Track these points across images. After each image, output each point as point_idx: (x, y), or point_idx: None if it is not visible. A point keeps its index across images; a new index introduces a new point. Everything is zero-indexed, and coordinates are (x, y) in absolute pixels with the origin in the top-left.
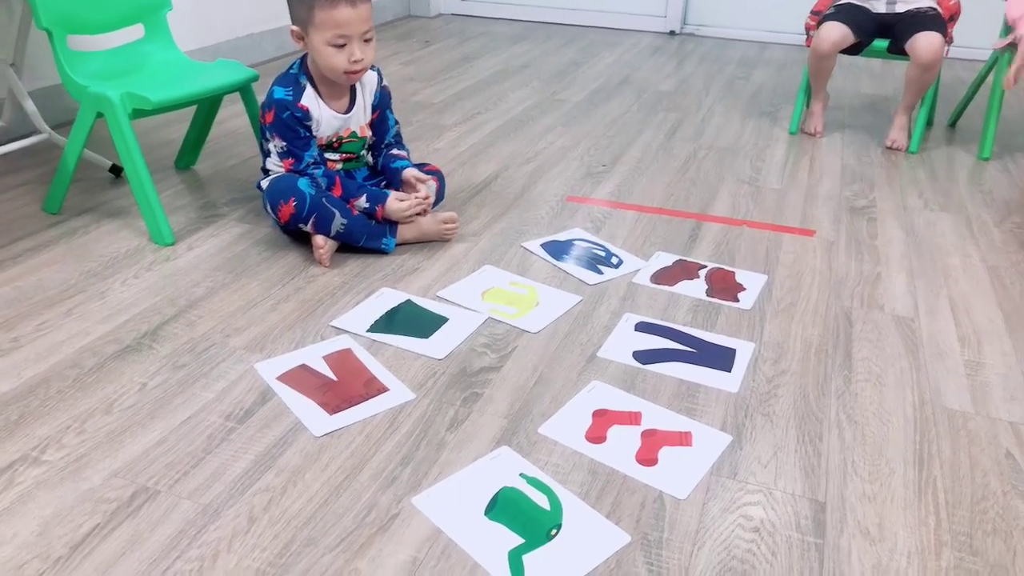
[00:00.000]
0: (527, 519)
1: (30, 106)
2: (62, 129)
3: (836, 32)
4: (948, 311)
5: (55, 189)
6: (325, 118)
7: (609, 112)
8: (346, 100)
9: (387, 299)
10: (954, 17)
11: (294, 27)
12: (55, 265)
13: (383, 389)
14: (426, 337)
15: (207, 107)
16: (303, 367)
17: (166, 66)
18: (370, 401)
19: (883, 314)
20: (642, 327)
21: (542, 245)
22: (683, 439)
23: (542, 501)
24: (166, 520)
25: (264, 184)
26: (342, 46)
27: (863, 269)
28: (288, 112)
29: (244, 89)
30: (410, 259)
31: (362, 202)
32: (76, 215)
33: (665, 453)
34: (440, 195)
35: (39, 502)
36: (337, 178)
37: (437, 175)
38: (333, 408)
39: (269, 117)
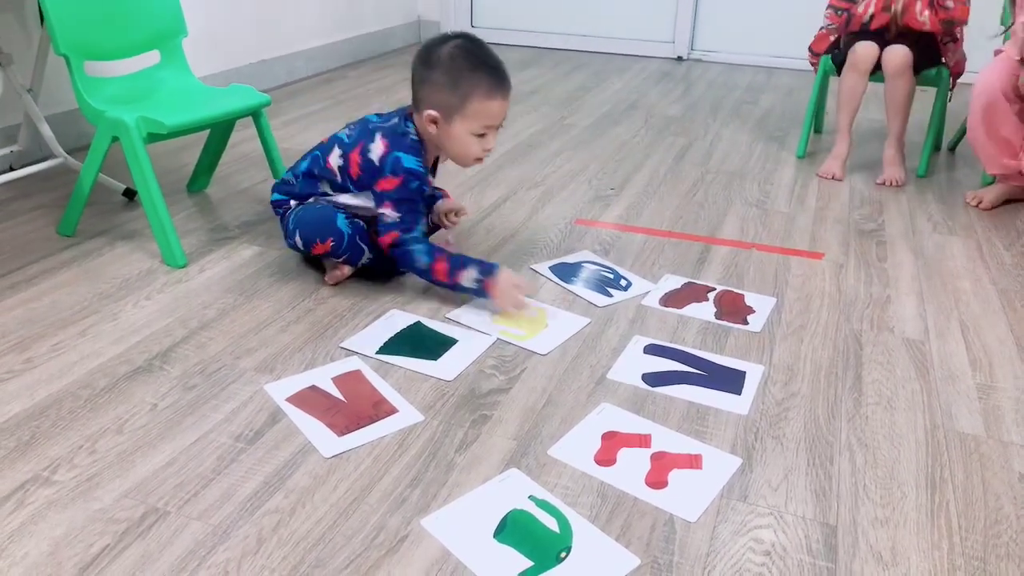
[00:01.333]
0: (536, 542)
1: (46, 130)
2: (77, 154)
3: (869, 47)
4: (959, 334)
5: (70, 212)
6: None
7: (617, 136)
8: (430, 164)
9: (397, 321)
10: (954, 23)
11: (432, 112)
12: (69, 287)
13: (392, 411)
14: (435, 359)
15: (220, 131)
16: (312, 388)
17: (180, 91)
18: (379, 423)
19: (893, 337)
20: (651, 349)
21: (551, 267)
22: (693, 462)
23: (551, 524)
24: (176, 541)
25: (291, 211)
26: (481, 135)
27: (872, 292)
28: (418, 184)
29: (256, 114)
30: (419, 282)
31: (472, 275)
32: (90, 238)
33: (675, 476)
34: None
35: (50, 522)
36: (443, 256)
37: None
38: (342, 429)
39: (392, 184)
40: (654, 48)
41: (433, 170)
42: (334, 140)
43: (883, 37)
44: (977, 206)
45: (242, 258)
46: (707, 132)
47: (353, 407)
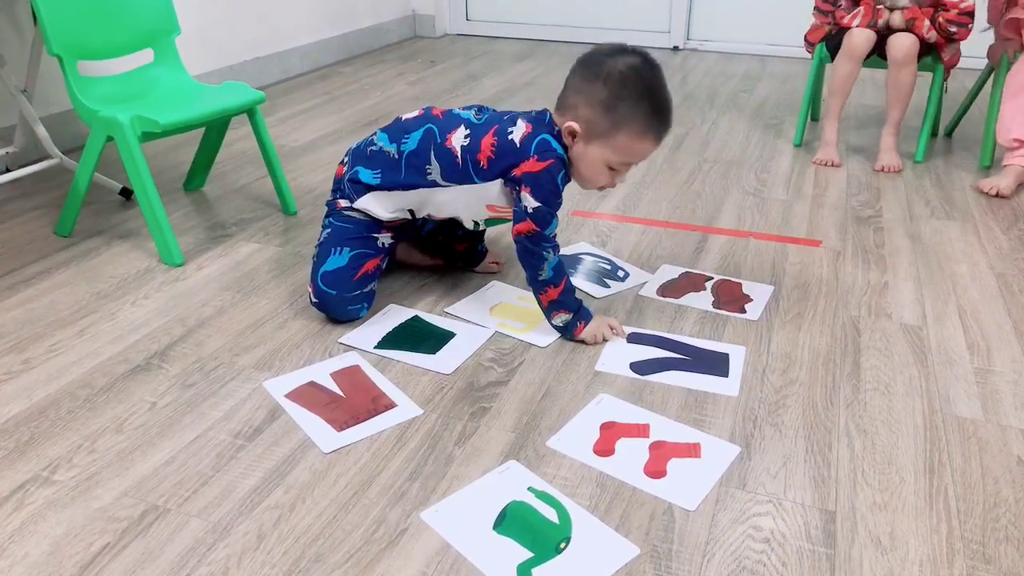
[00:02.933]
0: (536, 533)
1: (42, 131)
2: (73, 154)
3: (865, 34)
4: (957, 318)
5: (66, 212)
6: None
7: None
8: None
9: (394, 315)
10: (955, 42)
11: (575, 125)
12: (67, 287)
13: (391, 405)
14: (433, 352)
15: (215, 129)
16: (311, 384)
17: (175, 89)
18: (378, 417)
19: (891, 323)
20: (634, 338)
21: None
22: (691, 451)
23: (551, 515)
24: (176, 538)
25: (331, 252)
26: (615, 170)
27: (870, 278)
28: (563, 173)
29: (251, 111)
30: (417, 276)
31: (565, 317)
32: (87, 237)
33: (674, 465)
34: None
35: (50, 522)
36: (561, 285)
37: None
38: (341, 425)
39: (537, 167)
40: (650, 38)
41: None
42: (457, 119)
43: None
44: (996, 195)
45: (239, 255)
46: (704, 121)
47: (352, 402)
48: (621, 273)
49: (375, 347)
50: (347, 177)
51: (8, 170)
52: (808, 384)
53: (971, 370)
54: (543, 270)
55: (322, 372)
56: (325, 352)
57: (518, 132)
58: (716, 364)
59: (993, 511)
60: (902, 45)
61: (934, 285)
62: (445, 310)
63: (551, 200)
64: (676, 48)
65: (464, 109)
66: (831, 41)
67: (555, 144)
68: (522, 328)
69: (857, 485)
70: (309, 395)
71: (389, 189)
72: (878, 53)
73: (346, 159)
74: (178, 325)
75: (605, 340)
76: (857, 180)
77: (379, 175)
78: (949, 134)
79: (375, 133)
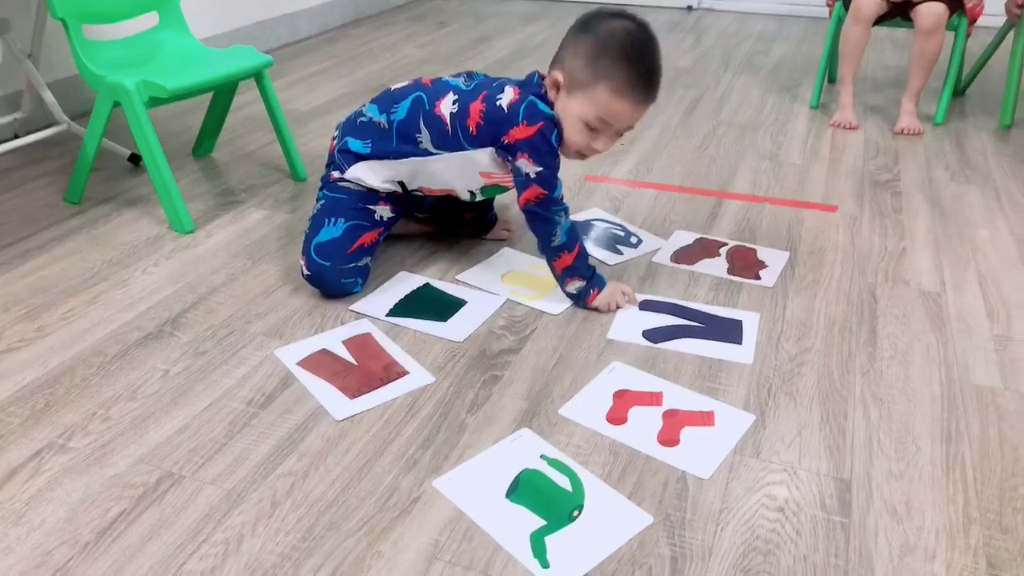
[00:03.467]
0: (549, 501)
1: (49, 97)
2: (81, 119)
3: None
4: (976, 285)
5: (75, 179)
6: None
7: None
8: None
9: (406, 283)
10: None
11: (558, 74)
12: (78, 254)
13: (403, 372)
14: (445, 320)
15: (223, 94)
16: (323, 352)
17: (181, 53)
18: (390, 385)
19: (909, 289)
20: (646, 305)
21: None
22: (705, 419)
23: (564, 483)
24: (191, 505)
25: (325, 224)
26: (593, 129)
27: (887, 244)
28: (556, 133)
29: (259, 75)
30: (427, 243)
31: (579, 284)
32: (97, 204)
33: (687, 433)
34: None
35: (66, 488)
36: (574, 251)
37: None
38: (353, 392)
39: (528, 132)
40: None
41: None
42: (445, 87)
43: None
44: None
45: (250, 222)
46: (718, 84)
47: (364, 370)
48: (634, 239)
49: (387, 315)
50: (337, 148)
51: (17, 136)
52: (824, 352)
53: (990, 338)
54: (556, 235)
55: (334, 339)
56: (337, 320)
57: (506, 98)
58: (729, 331)
59: (1011, 480)
60: (931, 13)
61: (953, 251)
62: (456, 277)
63: (549, 161)
64: (690, 8)
65: (454, 76)
66: (848, 1)
67: (542, 106)
68: (534, 296)
69: (873, 454)
70: (321, 363)
71: (380, 158)
72: (901, 16)
73: (336, 133)
74: (189, 292)
75: (618, 308)
76: (875, 143)
77: (369, 144)
78: (963, 92)
79: (364, 105)
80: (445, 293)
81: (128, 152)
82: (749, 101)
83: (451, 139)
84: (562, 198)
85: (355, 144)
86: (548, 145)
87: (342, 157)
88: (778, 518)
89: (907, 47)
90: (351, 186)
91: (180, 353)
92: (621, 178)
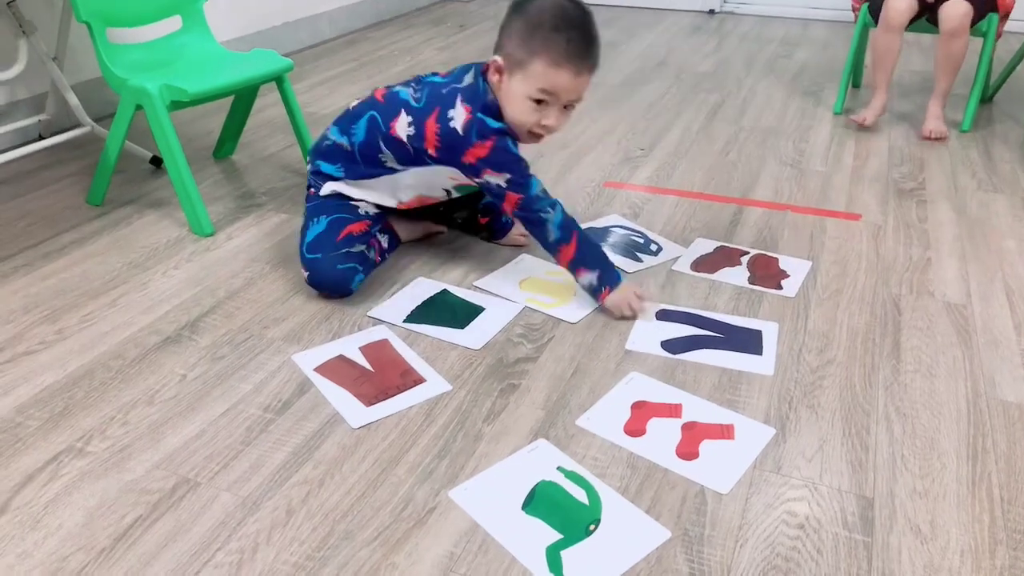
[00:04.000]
0: (565, 514)
1: (73, 99)
2: (104, 121)
3: (904, 3)
4: (1003, 297)
5: (98, 181)
6: None
7: (647, 94)
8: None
9: (423, 289)
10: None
11: (498, 59)
12: (99, 256)
13: (420, 380)
14: (462, 327)
15: (244, 97)
16: (340, 358)
17: (203, 57)
18: (407, 392)
19: (934, 301)
20: (664, 315)
21: None
22: (725, 432)
23: (580, 495)
24: (207, 512)
25: (311, 226)
26: (540, 103)
27: (912, 254)
28: (509, 140)
29: (280, 79)
30: (445, 249)
31: (591, 279)
32: (119, 207)
33: (706, 446)
34: None
35: (84, 493)
36: (574, 241)
37: None
38: (370, 400)
39: (484, 150)
40: (685, 1)
41: None
42: (397, 103)
43: None
44: None
45: (269, 226)
46: (740, 88)
47: (381, 377)
48: (654, 247)
49: (404, 321)
50: (311, 171)
51: (41, 137)
52: (846, 364)
53: (1018, 351)
54: (549, 232)
55: (351, 346)
56: (354, 326)
57: (458, 118)
58: (749, 341)
59: None
60: (955, 14)
61: (979, 261)
62: (474, 284)
63: (514, 167)
64: (712, 11)
65: (403, 85)
66: (874, 3)
67: (491, 122)
68: (552, 303)
69: (896, 471)
70: (338, 369)
71: (356, 179)
72: (927, 18)
73: (309, 158)
74: (208, 296)
75: (632, 316)
76: (899, 151)
77: (340, 168)
78: (990, 99)
79: (328, 127)
80: (463, 299)
81: (150, 155)
82: (771, 106)
83: (413, 157)
84: (544, 192)
85: (328, 168)
86: (507, 154)
87: (315, 178)
88: (799, 535)
89: (933, 53)
90: (330, 195)
91: (198, 358)
92: (641, 184)
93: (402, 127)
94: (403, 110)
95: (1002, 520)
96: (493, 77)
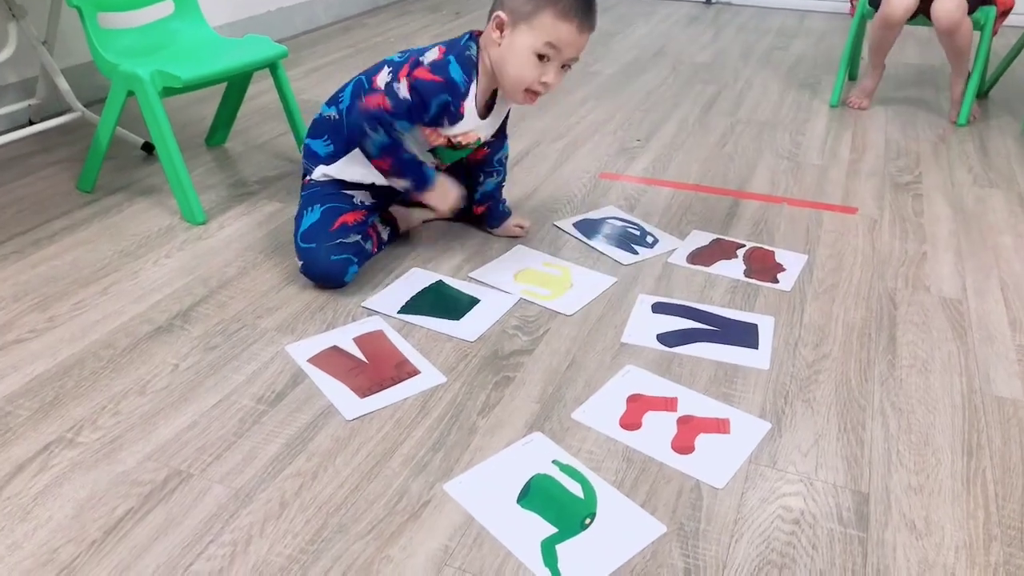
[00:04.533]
0: (560, 508)
1: (63, 84)
2: (95, 106)
3: (904, 2)
4: (999, 292)
5: (88, 167)
6: (466, 120)
7: (644, 85)
8: (485, 104)
9: (418, 280)
10: None
11: (502, 14)
12: (89, 244)
13: (414, 372)
14: (457, 319)
15: (237, 84)
16: (334, 349)
17: (195, 43)
18: (401, 384)
19: (929, 296)
20: (659, 308)
21: (575, 224)
22: (720, 426)
23: (576, 489)
24: (199, 504)
25: (305, 216)
26: (542, 58)
27: (908, 248)
28: (450, 104)
29: (273, 66)
30: (440, 239)
31: (404, 184)
32: (109, 193)
33: (702, 440)
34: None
35: (74, 484)
36: (393, 155)
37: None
38: (364, 391)
39: (425, 74)
40: None
41: (487, 110)
42: (382, 62)
43: None
44: None
45: (262, 214)
46: (737, 80)
47: (375, 368)
48: (650, 239)
49: (398, 312)
50: (303, 154)
51: (31, 123)
52: (842, 359)
53: (1013, 347)
54: (368, 147)
55: (345, 337)
56: (348, 316)
57: (430, 56)
58: (745, 335)
59: None
60: (944, 10)
61: (975, 257)
62: (469, 275)
63: (414, 116)
64: (709, 2)
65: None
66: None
67: (454, 68)
68: (547, 295)
69: (892, 466)
70: (332, 360)
71: (343, 153)
72: (923, 12)
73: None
74: (200, 285)
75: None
76: (896, 144)
77: (328, 141)
78: (986, 93)
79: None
80: (458, 291)
81: (141, 141)
82: (768, 98)
83: (392, 112)
84: (396, 141)
85: (316, 144)
86: (432, 102)
87: (308, 161)
88: (794, 531)
89: (932, 45)
90: (324, 180)
91: (190, 347)
92: (637, 175)
93: (382, 78)
94: (385, 65)
95: (996, 516)
96: (493, 34)
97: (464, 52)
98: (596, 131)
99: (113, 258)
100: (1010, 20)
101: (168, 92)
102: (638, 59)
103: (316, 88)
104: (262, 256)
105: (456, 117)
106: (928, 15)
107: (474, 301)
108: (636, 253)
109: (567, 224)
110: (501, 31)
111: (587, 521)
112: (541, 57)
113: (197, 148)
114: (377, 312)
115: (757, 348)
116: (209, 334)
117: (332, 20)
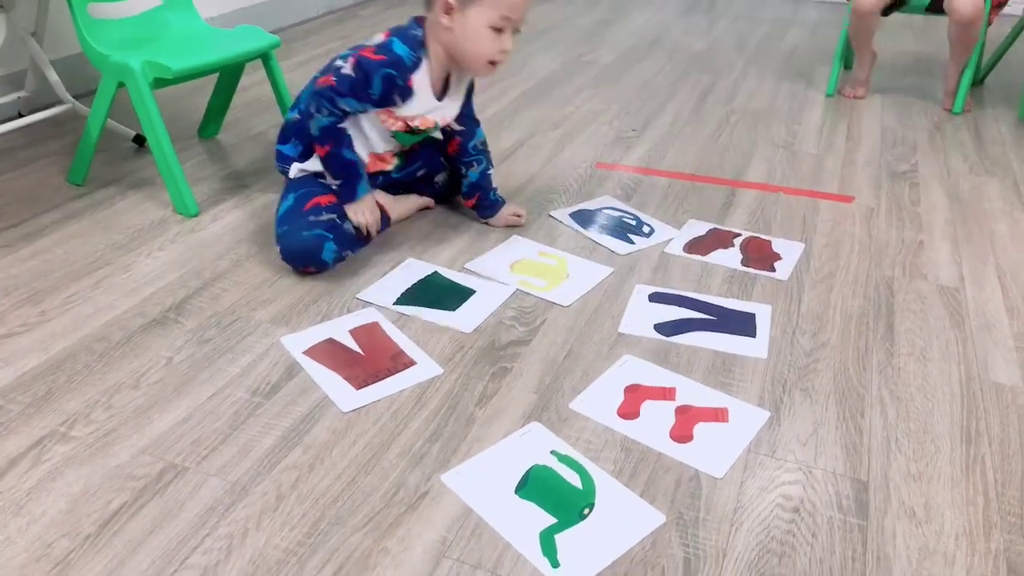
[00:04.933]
0: (559, 498)
1: (53, 76)
2: (86, 99)
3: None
4: (995, 280)
5: (79, 160)
6: (420, 100)
7: (640, 74)
8: (440, 86)
9: (414, 271)
10: None
11: None
12: (81, 237)
13: (410, 363)
14: (453, 310)
15: (229, 75)
16: (330, 341)
17: (187, 34)
18: (397, 375)
19: (927, 284)
20: (656, 297)
21: (571, 214)
22: (719, 415)
23: (574, 479)
24: (194, 497)
25: (281, 206)
26: (499, 31)
27: (905, 237)
28: (395, 78)
29: (266, 56)
30: (436, 230)
31: (333, 181)
32: (101, 186)
33: (700, 430)
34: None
35: (68, 479)
36: (332, 143)
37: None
38: (360, 383)
39: (365, 52)
40: None
41: (444, 91)
42: (332, 60)
43: None
44: None
45: (255, 206)
46: (732, 69)
47: (371, 360)
48: (646, 229)
49: (394, 303)
50: (276, 158)
51: (20, 115)
52: (840, 347)
53: (1010, 334)
54: (312, 127)
55: (340, 328)
56: (343, 308)
57: (375, 39)
58: (742, 324)
59: None
60: (966, 5)
61: (972, 244)
62: (465, 266)
63: (362, 97)
64: None
65: None
66: None
67: (397, 46)
68: (543, 286)
69: (890, 454)
70: (328, 352)
71: (310, 151)
72: (929, 7)
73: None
74: (194, 278)
75: (367, 229)
76: (892, 133)
77: (298, 143)
78: (981, 81)
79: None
80: (454, 282)
81: (132, 133)
82: (763, 88)
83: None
84: (340, 111)
85: (286, 148)
86: (379, 79)
87: (281, 164)
88: (793, 519)
89: (927, 33)
90: (302, 176)
91: (184, 340)
92: (633, 165)
93: (337, 65)
94: (339, 59)
95: (996, 503)
96: (441, 19)
97: (408, 31)
98: (592, 121)
99: (105, 251)
100: (1004, 8)
101: (159, 83)
102: (634, 48)
103: (308, 79)
104: (256, 248)
105: (406, 92)
106: (932, 9)
107: (470, 292)
108: (633, 243)
109: (563, 214)
110: (450, 14)
111: (586, 511)
112: (497, 30)
113: (189, 140)
114: (372, 304)
115: (755, 337)
116: (203, 327)
117: (324, 11)
